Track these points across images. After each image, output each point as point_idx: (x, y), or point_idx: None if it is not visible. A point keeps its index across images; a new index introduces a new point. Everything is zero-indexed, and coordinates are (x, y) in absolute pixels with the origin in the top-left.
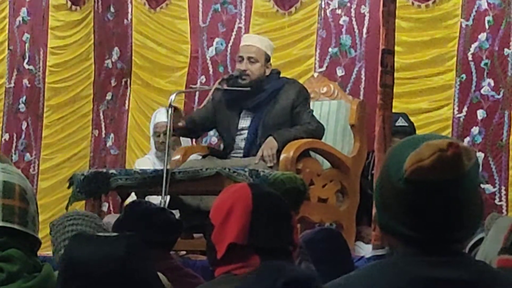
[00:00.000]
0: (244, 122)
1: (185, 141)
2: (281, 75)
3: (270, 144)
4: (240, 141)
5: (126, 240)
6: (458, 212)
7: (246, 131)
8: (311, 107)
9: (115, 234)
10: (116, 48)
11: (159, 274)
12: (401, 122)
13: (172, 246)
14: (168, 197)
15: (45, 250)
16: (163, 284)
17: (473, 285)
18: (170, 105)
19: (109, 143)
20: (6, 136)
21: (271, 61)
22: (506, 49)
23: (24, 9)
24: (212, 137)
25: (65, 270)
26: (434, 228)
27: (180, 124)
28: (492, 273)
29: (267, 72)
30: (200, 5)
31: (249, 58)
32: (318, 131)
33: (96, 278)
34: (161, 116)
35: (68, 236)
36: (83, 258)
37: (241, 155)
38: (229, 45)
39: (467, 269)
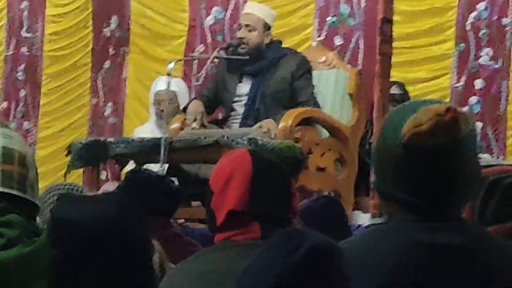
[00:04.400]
0: (244, 88)
1: None
2: (283, 46)
3: (270, 123)
4: (239, 107)
5: (118, 199)
6: (455, 177)
7: (245, 97)
8: (312, 78)
9: (106, 193)
10: (114, 17)
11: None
12: (393, 90)
13: (172, 214)
14: (166, 165)
15: None
16: (154, 248)
17: (471, 249)
18: (169, 74)
19: (107, 112)
20: (4, 104)
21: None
22: (504, 19)
23: None
24: None
25: (54, 230)
26: (432, 193)
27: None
28: (489, 238)
29: (266, 40)
30: None
31: (247, 26)
32: None
33: (86, 238)
34: (162, 84)
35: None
36: (72, 217)
37: (239, 120)
38: (228, 13)
39: (465, 234)
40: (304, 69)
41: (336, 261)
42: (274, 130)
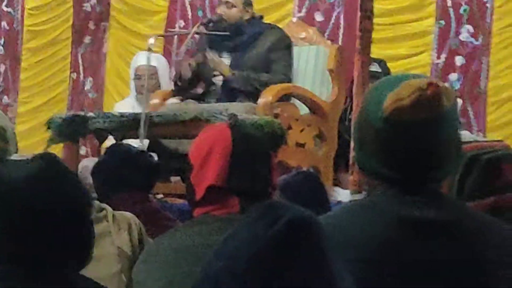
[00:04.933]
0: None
1: (165, 85)
2: (264, 21)
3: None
4: (219, 82)
5: (43, 158)
6: (437, 151)
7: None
8: (291, 54)
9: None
10: None
11: (131, 215)
12: (374, 67)
13: (151, 189)
14: (146, 141)
15: None
16: (89, 207)
17: (451, 224)
18: (149, 49)
19: (87, 87)
20: None
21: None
22: None
23: None
24: None
25: None
26: (413, 167)
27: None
28: (470, 213)
29: (246, 16)
30: None
31: (226, 2)
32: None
33: (7, 196)
34: (142, 59)
35: None
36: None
37: (218, 96)
38: None
39: (445, 209)
40: (282, 44)
41: (316, 233)
42: (217, 64)
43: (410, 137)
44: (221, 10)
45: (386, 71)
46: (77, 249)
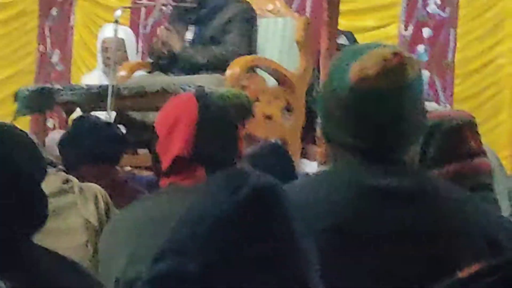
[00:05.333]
0: (189, 36)
1: (132, 57)
2: None
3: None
4: None
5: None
6: (401, 121)
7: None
8: (253, 27)
9: None
10: None
11: (98, 187)
12: (341, 40)
13: (118, 161)
14: (113, 113)
15: None
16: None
17: (415, 192)
18: (116, 21)
19: (54, 59)
20: None
21: None
22: None
23: None
24: None
25: None
26: (377, 136)
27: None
28: (433, 182)
29: None
30: None
31: None
32: (224, 57)
33: None
34: (109, 31)
35: None
36: None
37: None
38: None
39: (410, 177)
40: (243, 16)
41: (281, 200)
42: (175, 39)
43: (375, 106)
44: None
45: (353, 43)
46: (25, 216)
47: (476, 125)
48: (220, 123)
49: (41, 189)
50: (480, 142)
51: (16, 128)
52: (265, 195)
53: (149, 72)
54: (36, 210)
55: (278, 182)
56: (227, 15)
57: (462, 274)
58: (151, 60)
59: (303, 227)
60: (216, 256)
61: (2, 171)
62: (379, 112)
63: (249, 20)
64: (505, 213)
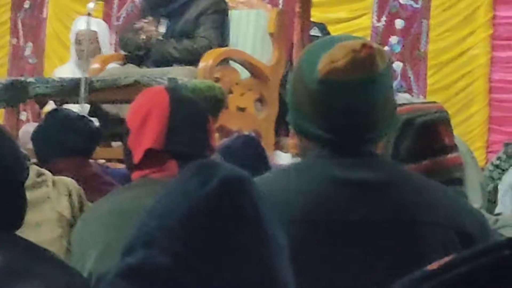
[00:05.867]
0: (161, 29)
1: (105, 50)
2: None
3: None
4: None
5: None
6: (371, 113)
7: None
8: (225, 19)
9: None
10: None
11: (71, 180)
12: (314, 32)
13: (91, 154)
14: (87, 106)
15: None
16: (22, 169)
17: (385, 185)
18: (89, 14)
19: (27, 52)
20: None
21: None
22: None
23: None
24: None
25: None
26: (347, 129)
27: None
28: (404, 174)
29: None
30: None
31: None
32: (196, 50)
33: None
34: (82, 24)
35: None
36: None
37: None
38: None
39: (380, 170)
40: (214, 8)
41: (250, 191)
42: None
43: (344, 98)
44: None
45: (326, 35)
46: (7, 212)
47: (449, 119)
48: (191, 115)
49: (23, 188)
50: (453, 136)
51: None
52: (234, 187)
53: (122, 65)
54: (20, 210)
55: (247, 174)
56: (199, 8)
57: (432, 266)
58: (124, 52)
59: (274, 218)
60: (186, 248)
61: None
62: (348, 104)
63: (221, 12)
64: (476, 205)
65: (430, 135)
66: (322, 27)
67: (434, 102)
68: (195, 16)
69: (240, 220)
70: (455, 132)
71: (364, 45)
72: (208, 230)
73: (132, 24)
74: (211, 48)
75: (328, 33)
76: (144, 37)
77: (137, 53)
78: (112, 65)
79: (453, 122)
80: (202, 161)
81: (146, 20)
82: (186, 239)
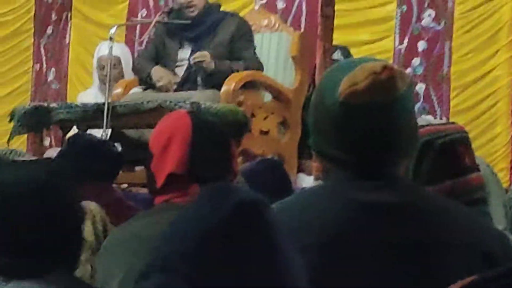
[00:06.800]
0: (184, 53)
1: (128, 75)
2: (222, 9)
3: (205, 53)
4: (180, 72)
5: (47, 163)
6: (392, 135)
7: (185, 62)
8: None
9: (38, 159)
10: None
11: (95, 205)
12: (336, 55)
13: (114, 179)
14: (109, 130)
15: None
16: (83, 215)
17: (408, 207)
18: (111, 38)
19: (50, 78)
20: None
21: None
22: None
23: None
24: None
25: None
26: (369, 151)
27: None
28: (426, 196)
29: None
30: None
31: None
32: (256, 69)
33: (14, 200)
34: (105, 49)
35: None
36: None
37: (178, 84)
38: None
39: (402, 192)
40: (244, 30)
41: (265, 215)
42: (207, 61)
43: (365, 121)
44: None
45: (347, 58)
46: (69, 253)
47: (469, 139)
48: (213, 140)
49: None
50: (474, 156)
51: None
52: (248, 211)
53: (145, 89)
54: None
55: (263, 198)
56: (229, 31)
57: (455, 286)
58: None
59: (292, 242)
60: (201, 272)
61: (59, 214)
62: (369, 127)
63: (250, 33)
64: (500, 226)
65: (450, 156)
66: (344, 50)
67: (454, 123)
68: (227, 39)
69: (255, 245)
70: (478, 154)
71: (384, 67)
72: (223, 255)
73: (146, 49)
74: (259, 69)
75: (349, 56)
76: (162, 84)
77: (148, 81)
78: (135, 90)
79: (476, 143)
80: (216, 185)
81: (161, 77)
82: (201, 264)
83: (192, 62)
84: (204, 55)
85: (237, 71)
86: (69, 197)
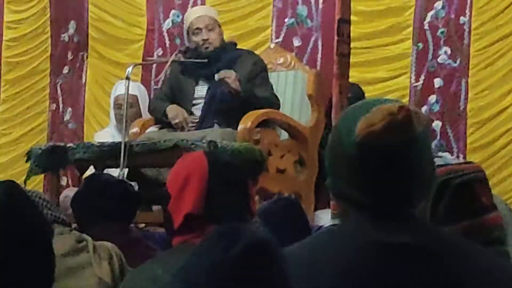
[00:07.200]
0: (200, 92)
1: (145, 114)
2: (238, 47)
3: (231, 72)
4: (197, 110)
5: (5, 184)
6: (410, 175)
7: (202, 101)
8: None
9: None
10: (72, 22)
11: (112, 245)
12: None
13: (132, 219)
14: (126, 170)
15: None
16: (51, 231)
17: (426, 248)
18: (127, 78)
19: (66, 117)
20: None
21: (227, 32)
22: (462, 17)
23: None
24: None
25: None
26: (386, 192)
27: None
28: (444, 237)
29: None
30: None
31: (206, 26)
32: (275, 105)
33: None
34: (122, 88)
35: None
36: None
37: (196, 123)
38: (185, 18)
39: (420, 233)
40: (261, 67)
41: (275, 257)
42: (234, 80)
43: (382, 162)
44: (205, 35)
45: (357, 95)
46: (33, 278)
47: (486, 179)
48: (230, 180)
49: (51, 253)
50: (491, 196)
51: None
52: (259, 252)
53: (161, 128)
54: (47, 275)
55: (271, 238)
56: (245, 69)
57: None
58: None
59: (304, 284)
60: None
61: (13, 234)
62: (386, 168)
63: (266, 69)
64: None
65: (467, 195)
66: (354, 86)
67: (471, 162)
68: (244, 76)
69: (263, 285)
70: (495, 191)
71: (401, 108)
72: None
73: (161, 89)
74: (276, 107)
75: (359, 92)
76: (177, 122)
77: (164, 120)
78: (151, 129)
79: (493, 180)
80: (226, 225)
81: (176, 114)
82: None
83: (217, 78)
84: (230, 73)
85: (259, 99)
86: (33, 216)
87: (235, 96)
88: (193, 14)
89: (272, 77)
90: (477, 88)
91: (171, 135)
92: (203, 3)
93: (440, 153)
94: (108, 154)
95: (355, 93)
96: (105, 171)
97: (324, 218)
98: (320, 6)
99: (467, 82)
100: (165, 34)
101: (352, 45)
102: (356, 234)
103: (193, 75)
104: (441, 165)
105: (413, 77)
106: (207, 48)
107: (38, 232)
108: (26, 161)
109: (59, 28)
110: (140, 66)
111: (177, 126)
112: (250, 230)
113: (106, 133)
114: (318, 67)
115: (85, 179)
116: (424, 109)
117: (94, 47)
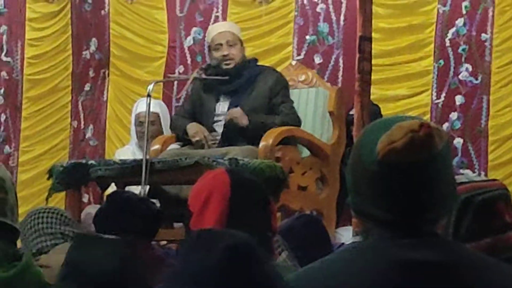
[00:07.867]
0: (222, 108)
1: (167, 131)
2: (259, 64)
3: (236, 110)
4: (219, 127)
5: (126, 242)
6: (431, 192)
7: (223, 117)
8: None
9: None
10: (93, 39)
11: None
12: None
13: (154, 236)
14: (148, 187)
15: None
16: None
17: (449, 266)
18: (149, 95)
19: (88, 134)
20: None
21: (248, 49)
22: (483, 34)
23: (1, 1)
24: None
25: (65, 267)
26: (408, 209)
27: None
28: (468, 253)
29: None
30: None
31: (227, 42)
32: (294, 124)
33: (93, 278)
34: (143, 105)
35: (34, 233)
36: (82, 258)
37: (219, 140)
38: (207, 34)
39: (442, 250)
40: (282, 84)
41: (255, 259)
42: (240, 116)
43: (404, 179)
44: (226, 50)
45: (371, 110)
46: None
47: (509, 197)
48: (252, 197)
49: None
50: None
51: None
52: (239, 255)
53: (182, 146)
54: None
55: (252, 241)
56: (266, 85)
57: None
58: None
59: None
60: None
61: None
62: (407, 185)
63: (287, 86)
64: None
65: (489, 213)
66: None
67: (494, 180)
68: (265, 93)
69: (246, 286)
70: None
71: (422, 125)
72: None
73: (182, 107)
74: (297, 124)
75: (375, 110)
76: (197, 139)
77: (185, 137)
78: (173, 146)
79: None
80: (205, 230)
81: (196, 132)
82: None
83: (225, 121)
84: (235, 112)
85: (272, 125)
86: (145, 275)
87: (245, 130)
88: (215, 30)
89: (294, 94)
90: (498, 105)
91: (192, 153)
92: (224, 20)
93: (461, 171)
94: (129, 171)
95: (370, 109)
96: (126, 188)
97: (346, 235)
98: (342, 23)
99: (488, 100)
100: (187, 51)
101: (373, 62)
102: (377, 251)
103: (214, 92)
104: (465, 182)
105: (434, 94)
106: (228, 64)
107: None
108: (48, 178)
109: (81, 45)
110: (162, 84)
111: (197, 144)
112: (228, 233)
113: (127, 150)
114: (339, 84)
115: (107, 196)
116: (445, 126)
117: (116, 65)
